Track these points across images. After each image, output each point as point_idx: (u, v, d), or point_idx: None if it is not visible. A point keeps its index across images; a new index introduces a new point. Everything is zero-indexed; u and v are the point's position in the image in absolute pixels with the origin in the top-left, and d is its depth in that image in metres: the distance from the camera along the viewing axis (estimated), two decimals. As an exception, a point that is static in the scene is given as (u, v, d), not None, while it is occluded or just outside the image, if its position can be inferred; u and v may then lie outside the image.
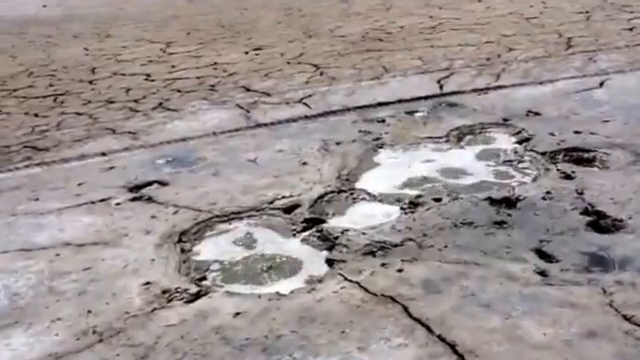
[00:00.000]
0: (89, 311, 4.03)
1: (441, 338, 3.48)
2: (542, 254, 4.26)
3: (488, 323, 3.56)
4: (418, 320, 3.65)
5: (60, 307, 4.12)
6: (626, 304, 3.68)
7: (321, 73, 9.54)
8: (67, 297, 4.22)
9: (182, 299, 4.11)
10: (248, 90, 8.96)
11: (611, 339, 3.41)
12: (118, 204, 5.60)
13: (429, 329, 3.56)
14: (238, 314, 3.87)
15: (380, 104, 7.71)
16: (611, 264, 4.12)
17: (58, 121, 8.33)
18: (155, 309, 4.00)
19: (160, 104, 8.69)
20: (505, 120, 6.84)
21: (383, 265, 4.25)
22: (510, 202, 4.98)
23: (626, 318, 3.57)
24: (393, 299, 3.87)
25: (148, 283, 4.28)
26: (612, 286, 3.84)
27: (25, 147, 7.40)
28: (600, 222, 4.61)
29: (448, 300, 3.80)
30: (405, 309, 3.76)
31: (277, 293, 4.08)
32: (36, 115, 8.75)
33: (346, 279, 4.13)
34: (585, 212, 4.73)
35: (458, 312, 3.68)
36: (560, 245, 4.32)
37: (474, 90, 7.99)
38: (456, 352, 3.37)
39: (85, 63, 11.82)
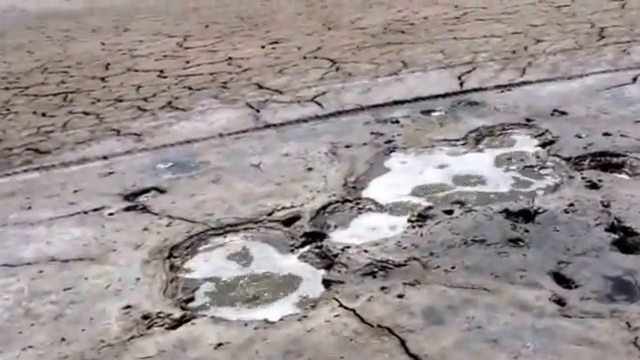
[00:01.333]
0: (63, 339, 3.73)
1: (440, 380, 3.08)
2: (560, 278, 3.86)
3: (494, 362, 3.16)
4: (416, 357, 3.27)
5: (34, 332, 3.82)
6: (652, 342, 3.26)
7: (337, 69, 9.15)
8: (42, 322, 3.92)
9: (163, 325, 3.79)
10: (261, 87, 8.61)
11: (634, 388, 3.00)
12: (111, 214, 5.29)
13: (427, 368, 3.17)
14: (220, 345, 3.54)
15: (396, 103, 7.32)
16: (638, 292, 3.71)
17: (64, 121, 8.04)
18: (133, 337, 3.68)
19: (169, 103, 8.37)
20: (528, 120, 6.41)
21: (383, 289, 3.88)
22: (528, 215, 4.58)
23: (652, 360, 3.14)
24: (390, 331, 3.51)
25: (129, 307, 3.96)
26: (638, 319, 3.43)
27: (27, 149, 7.13)
28: (627, 240, 4.20)
29: (451, 333, 3.43)
30: (402, 343, 3.39)
31: (265, 320, 3.73)
32: (44, 115, 8.49)
33: (341, 305, 3.77)
34: (611, 228, 4.32)
35: (461, 348, 3.30)
36: (581, 268, 3.91)
37: (497, 87, 7.55)
38: (455, 399, 2.97)
39: (100, 58, 11.55)
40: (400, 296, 3.80)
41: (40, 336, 3.76)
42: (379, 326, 3.55)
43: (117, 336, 3.69)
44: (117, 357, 3.50)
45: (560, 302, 3.65)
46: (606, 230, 4.33)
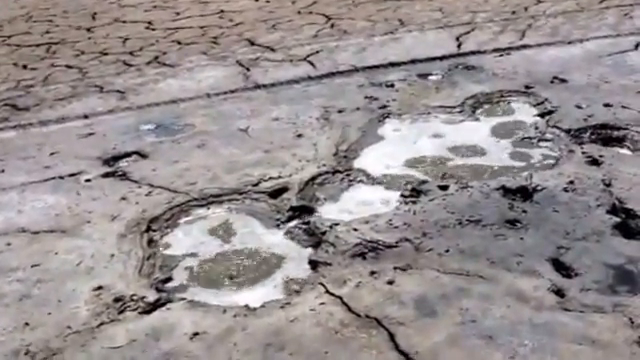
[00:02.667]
0: (27, 323, 3.47)
1: (431, 382, 2.84)
2: (559, 265, 3.61)
3: (489, 364, 2.91)
4: (406, 355, 3.03)
5: (-5, 315, 3.52)
6: (658, 341, 3.02)
7: (332, 25, 8.82)
8: (6, 303, 3.66)
9: (136, 309, 3.54)
10: (252, 44, 8.29)
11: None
12: (88, 180, 5.02)
13: (417, 368, 2.92)
14: (196, 335, 3.29)
15: (391, 64, 7.01)
16: (641, 282, 3.44)
17: (46, 75, 7.73)
18: (102, 323, 3.43)
19: (156, 58, 8.05)
20: (527, 87, 6.12)
21: (372, 274, 3.63)
22: (526, 193, 4.32)
23: (658, 362, 2.91)
24: (379, 322, 3.26)
25: (100, 288, 3.70)
26: (642, 315, 3.16)
27: (5, 105, 6.82)
28: (629, 224, 3.95)
29: (444, 327, 3.18)
30: (392, 337, 3.13)
31: (246, 307, 3.48)
32: (25, 67, 8.16)
33: (327, 291, 3.51)
34: (612, 210, 4.06)
35: (454, 345, 3.06)
36: (581, 254, 3.66)
37: (495, 50, 7.26)
38: (447, 404, 2.73)
39: (87, 7, 11.21)
40: (390, 282, 3.55)
41: (2, 320, 3.51)
42: (367, 316, 3.31)
43: (85, 322, 3.44)
44: (83, 347, 3.25)
45: (559, 293, 3.41)
46: (607, 212, 4.09)
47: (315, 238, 4.08)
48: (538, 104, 5.77)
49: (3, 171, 5.27)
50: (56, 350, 3.25)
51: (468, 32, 7.95)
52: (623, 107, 5.48)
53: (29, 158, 5.48)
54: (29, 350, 3.26)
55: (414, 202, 4.35)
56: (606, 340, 3.03)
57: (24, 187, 4.95)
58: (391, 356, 3.03)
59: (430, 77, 6.65)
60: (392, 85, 6.43)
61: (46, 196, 4.79)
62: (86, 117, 6.33)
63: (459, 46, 7.45)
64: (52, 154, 5.51)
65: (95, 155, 5.42)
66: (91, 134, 5.89)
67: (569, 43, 7.36)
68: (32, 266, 3.95)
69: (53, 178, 5.08)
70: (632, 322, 3.15)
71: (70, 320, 3.45)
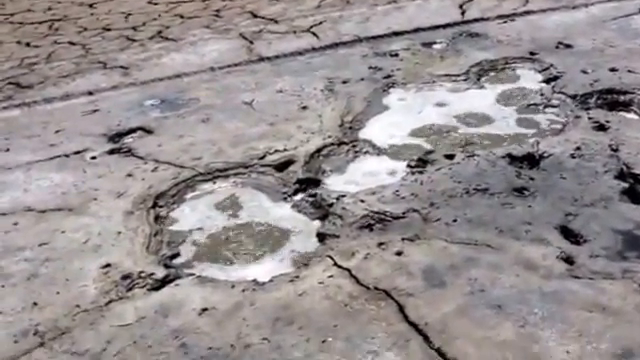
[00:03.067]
0: (35, 303, 3.46)
1: (441, 353, 2.87)
2: (568, 232, 3.58)
3: (499, 333, 2.93)
4: (415, 326, 3.02)
5: (4, 296, 3.57)
6: (668, 307, 3.00)
7: (335, -5, 8.70)
8: (14, 283, 3.65)
9: (145, 287, 3.53)
10: (255, 16, 8.22)
11: (650, 361, 2.75)
12: (94, 158, 5.00)
13: (427, 339, 2.92)
14: (205, 311, 3.28)
15: (395, 34, 6.95)
16: (651, 248, 3.42)
17: (49, 52, 7.68)
18: (111, 301, 3.43)
19: (159, 32, 8.00)
20: (532, 54, 6.06)
21: (380, 245, 3.61)
22: (533, 160, 4.29)
23: (668, 329, 2.89)
24: (388, 294, 3.24)
25: (108, 265, 3.70)
26: (652, 281, 3.14)
27: (9, 84, 6.79)
28: (637, 189, 3.91)
29: (453, 297, 3.16)
30: (401, 309, 3.12)
31: (254, 281, 3.46)
32: (28, 45, 8.10)
33: (336, 264, 3.50)
34: (620, 176, 4.03)
35: (464, 316, 3.04)
36: (590, 220, 3.64)
37: (499, 17, 7.18)
38: (458, 375, 2.72)
39: (89, -17, 11.03)
40: (398, 253, 3.53)
41: (11, 300, 3.50)
42: (376, 288, 3.29)
43: (94, 300, 3.43)
44: (92, 325, 3.25)
45: (568, 260, 3.38)
46: (615, 177, 4.06)
47: (322, 210, 4.07)
48: (543, 70, 5.71)
49: (8, 150, 5.25)
50: (65, 329, 3.25)
51: (471, -1, 7.86)
52: (629, 71, 5.43)
53: (34, 136, 5.46)
54: (38, 330, 3.26)
55: (420, 172, 4.32)
56: (616, 307, 3.01)
57: (30, 166, 4.94)
58: (400, 327, 3.02)
59: (434, 46, 6.59)
60: (396, 54, 6.37)
61: (52, 174, 4.78)
62: (90, 94, 6.30)
63: (463, 14, 7.38)
64: (57, 132, 5.50)
65: (100, 132, 5.40)
66: (95, 111, 5.86)
67: (573, 8, 7.27)
68: (39, 245, 3.94)
69: (58, 156, 5.06)
70: (643, 288, 3.11)
71: (78, 299, 3.45)
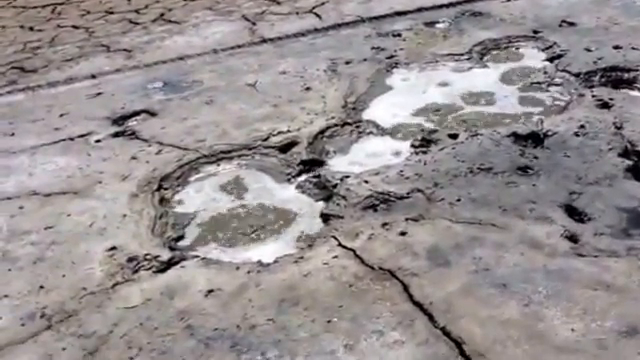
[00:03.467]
0: (42, 286, 3.48)
1: (445, 332, 2.87)
2: (572, 211, 3.58)
3: (504, 311, 2.93)
4: (420, 305, 3.03)
5: (10, 279, 3.58)
6: (673, 284, 3.00)
7: (337, -25, 8.63)
8: (20, 266, 3.67)
9: (150, 269, 3.54)
10: (258, -4, 8.15)
11: (655, 338, 2.75)
12: (98, 141, 5.01)
13: (432, 318, 2.93)
14: (210, 292, 3.29)
15: (397, 13, 6.93)
16: (655, 225, 3.42)
17: (52, 36, 7.69)
18: (117, 284, 3.44)
19: (162, 15, 7.99)
20: (535, 32, 6.03)
21: (384, 225, 3.61)
22: (537, 139, 4.28)
23: (673, 306, 2.89)
24: (392, 274, 3.25)
25: (114, 248, 3.71)
26: (656, 258, 3.14)
27: (13, 68, 6.80)
28: (642, 167, 3.88)
29: (457, 277, 3.17)
30: (405, 289, 3.13)
31: (259, 263, 3.47)
32: (31, 29, 8.12)
33: (340, 244, 3.50)
34: (624, 153, 4.02)
35: (468, 295, 3.05)
36: (594, 198, 3.63)
37: (504, -6, 7.09)
38: (463, 354, 2.73)
39: (90, -34, 10.99)
40: (403, 234, 3.53)
41: (17, 283, 3.52)
42: (380, 269, 3.30)
43: (100, 283, 3.44)
44: (99, 307, 3.26)
45: (573, 239, 3.37)
46: (619, 155, 4.04)
47: (326, 191, 4.07)
48: (547, 48, 5.69)
49: (13, 134, 5.27)
50: (72, 312, 3.27)
51: (475, -23, 7.78)
52: (633, 49, 5.39)
53: (38, 120, 5.47)
54: (45, 313, 3.28)
55: (424, 152, 4.32)
56: (621, 284, 3.02)
57: (34, 150, 4.95)
58: (405, 307, 3.03)
59: (437, 25, 6.57)
60: (399, 34, 6.36)
61: (57, 158, 4.79)
62: (94, 77, 6.31)
63: (467, -9, 7.31)
64: (61, 115, 5.51)
65: (104, 115, 5.41)
66: (99, 94, 5.87)
67: (578, -15, 7.19)
68: (45, 229, 3.96)
69: (63, 140, 5.08)
70: (647, 266, 3.11)
71: (85, 281, 3.46)
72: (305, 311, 3.08)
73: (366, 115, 4.94)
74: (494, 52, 5.80)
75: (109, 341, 3.07)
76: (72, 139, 5.07)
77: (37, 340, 3.13)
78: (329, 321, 3.01)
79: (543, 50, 5.68)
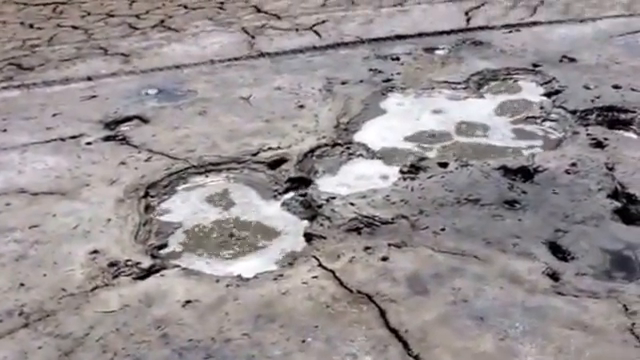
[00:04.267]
0: (22, 284, 3.48)
1: (418, 360, 2.86)
2: (556, 248, 3.61)
3: (479, 344, 2.95)
4: (395, 332, 3.04)
5: (-9, 275, 3.54)
6: (651, 330, 3.02)
7: (341, -6, 8.72)
8: (2, 263, 3.68)
9: (130, 275, 3.55)
10: (259, 11, 8.24)
11: (629, 384, 2.77)
12: (89, 144, 5.02)
13: (406, 346, 2.95)
14: (188, 303, 3.29)
15: (398, 37, 6.96)
16: (638, 269, 3.46)
17: (51, 35, 7.69)
18: (97, 287, 3.45)
19: (162, 22, 8.02)
20: (535, 66, 6.07)
21: (366, 249, 3.63)
22: (527, 174, 4.31)
23: (650, 353, 2.90)
24: (370, 298, 3.26)
25: (96, 252, 3.72)
26: (636, 302, 3.18)
27: (10, 64, 6.78)
28: (630, 209, 3.94)
29: (435, 306, 3.19)
30: (382, 314, 3.14)
31: (239, 277, 3.48)
32: (31, 26, 8.12)
33: (321, 265, 3.52)
34: (614, 195, 4.05)
35: (444, 324, 3.07)
36: (579, 238, 3.66)
37: (505, 26, 7.20)
38: (434, 383, 2.74)
39: (95, -32, 11.02)
40: (384, 259, 3.55)
41: (-1, 279, 3.51)
42: (359, 292, 3.31)
43: (80, 285, 3.45)
44: (77, 309, 3.27)
45: (554, 276, 3.40)
46: (608, 196, 4.07)
47: (311, 211, 4.09)
48: (545, 83, 5.73)
49: (5, 130, 5.27)
50: (50, 312, 3.27)
51: (478, 6, 7.90)
52: (632, 89, 5.43)
53: (32, 118, 5.48)
54: (23, 311, 3.29)
55: (412, 178, 4.35)
56: (598, 326, 3.04)
57: (25, 148, 4.96)
58: (381, 332, 3.04)
59: (436, 51, 6.61)
60: (397, 58, 6.39)
61: (47, 157, 4.80)
62: (89, 79, 6.32)
63: (468, 20, 7.40)
64: (54, 115, 5.52)
65: (97, 118, 5.42)
66: (94, 96, 5.88)
67: (581, 21, 7.30)
68: (30, 227, 3.97)
69: (54, 140, 5.09)
70: (626, 309, 3.14)
71: (65, 282, 3.47)
72: (281, 328, 3.09)
73: (357, 137, 4.97)
74: (492, 83, 5.84)
75: (85, 343, 3.07)
76: (63, 140, 5.07)
77: (14, 337, 3.15)
78: (304, 341, 3.02)
79: (541, 84, 5.73)
